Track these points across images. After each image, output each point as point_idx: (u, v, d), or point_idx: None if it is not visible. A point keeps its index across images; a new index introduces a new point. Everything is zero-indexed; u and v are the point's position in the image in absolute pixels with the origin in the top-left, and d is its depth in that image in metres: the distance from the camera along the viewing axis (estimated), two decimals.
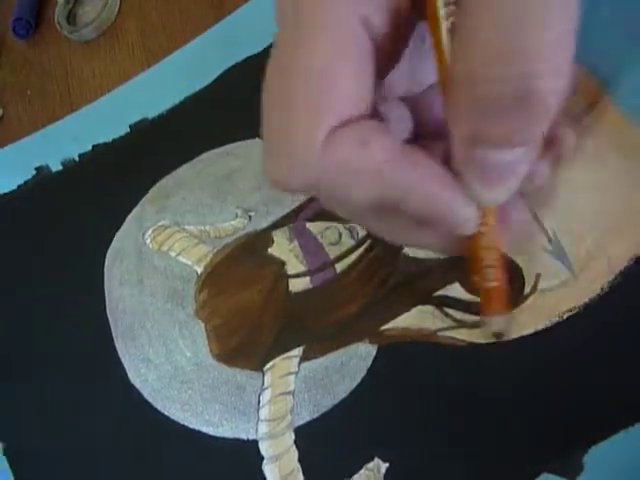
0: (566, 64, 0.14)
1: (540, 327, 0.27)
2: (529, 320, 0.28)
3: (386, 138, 0.16)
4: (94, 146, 0.39)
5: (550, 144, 0.16)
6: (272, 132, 0.16)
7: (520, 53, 0.13)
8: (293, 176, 0.16)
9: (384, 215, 0.17)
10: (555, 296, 0.28)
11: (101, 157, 0.39)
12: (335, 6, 0.15)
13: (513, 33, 0.13)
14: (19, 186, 0.41)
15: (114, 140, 0.39)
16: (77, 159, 0.40)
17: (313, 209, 0.33)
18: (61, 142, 0.41)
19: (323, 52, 0.15)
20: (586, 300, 0.27)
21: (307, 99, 0.15)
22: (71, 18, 0.46)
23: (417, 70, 0.19)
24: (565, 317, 0.27)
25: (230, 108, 0.37)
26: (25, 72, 0.46)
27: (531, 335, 0.27)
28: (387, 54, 0.17)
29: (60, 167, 0.40)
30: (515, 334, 0.28)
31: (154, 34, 0.42)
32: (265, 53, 0.36)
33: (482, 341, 0.28)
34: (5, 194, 0.41)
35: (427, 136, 0.18)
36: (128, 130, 0.39)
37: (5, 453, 0.34)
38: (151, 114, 0.39)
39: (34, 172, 0.41)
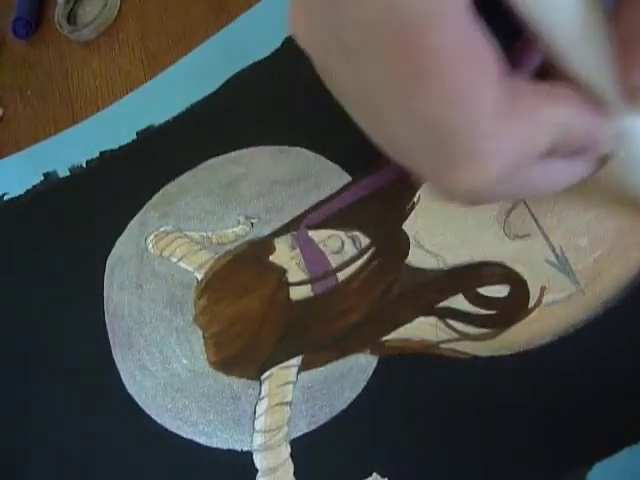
0: None
1: (544, 341, 0.27)
2: (533, 334, 0.27)
3: (544, 83, 0.16)
4: (101, 152, 0.40)
5: None
6: (436, 144, 0.15)
7: None
8: (486, 168, 0.15)
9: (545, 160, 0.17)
10: (560, 310, 0.27)
11: (108, 163, 0.39)
12: None
13: None
14: (27, 191, 0.41)
15: (121, 147, 0.39)
16: (84, 165, 0.40)
17: (316, 217, 0.32)
18: (69, 149, 0.41)
19: (445, 28, 0.14)
20: (591, 314, 0.26)
21: (460, 88, 0.15)
22: (71, 18, 0.46)
23: None
24: (570, 331, 0.26)
25: (235, 115, 0.37)
26: (25, 72, 0.47)
27: (535, 349, 0.27)
28: None
29: (67, 173, 0.40)
30: (518, 348, 0.27)
31: (154, 34, 0.42)
32: (270, 59, 0.37)
33: (484, 354, 0.27)
34: (14, 198, 0.41)
35: None
36: (135, 137, 0.39)
37: None
38: (157, 121, 0.39)
39: (42, 177, 0.41)
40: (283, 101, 0.34)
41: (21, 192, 0.41)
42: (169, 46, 0.41)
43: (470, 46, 0.15)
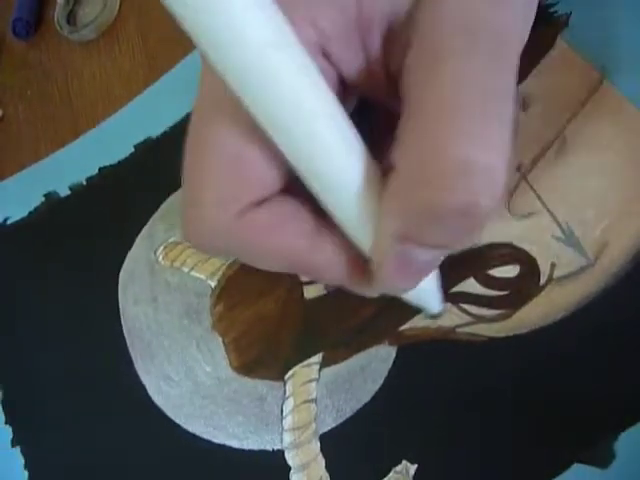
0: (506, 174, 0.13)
1: (559, 316, 0.27)
2: (547, 310, 0.27)
3: (297, 221, 0.16)
4: (100, 169, 0.40)
5: None
6: (186, 200, 0.16)
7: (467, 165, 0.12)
8: (203, 240, 0.16)
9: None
10: (572, 284, 0.27)
11: (108, 179, 0.39)
12: None
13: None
14: (29, 213, 0.41)
15: (120, 161, 0.39)
16: (84, 183, 0.40)
17: None
18: (67, 167, 0.41)
19: (233, 133, 0.15)
20: (604, 286, 0.27)
21: (219, 180, 0.15)
22: (71, 19, 0.46)
23: None
24: (583, 304, 0.27)
25: None
26: (25, 72, 0.46)
27: (550, 325, 0.27)
28: None
29: (68, 192, 0.40)
30: (534, 326, 0.27)
31: (154, 35, 0.42)
32: None
33: (501, 335, 0.28)
34: (16, 222, 0.41)
35: None
36: (133, 150, 0.39)
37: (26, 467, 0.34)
38: (155, 133, 0.39)
39: (43, 199, 0.41)
40: None
41: (24, 215, 0.41)
42: (169, 46, 0.41)
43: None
